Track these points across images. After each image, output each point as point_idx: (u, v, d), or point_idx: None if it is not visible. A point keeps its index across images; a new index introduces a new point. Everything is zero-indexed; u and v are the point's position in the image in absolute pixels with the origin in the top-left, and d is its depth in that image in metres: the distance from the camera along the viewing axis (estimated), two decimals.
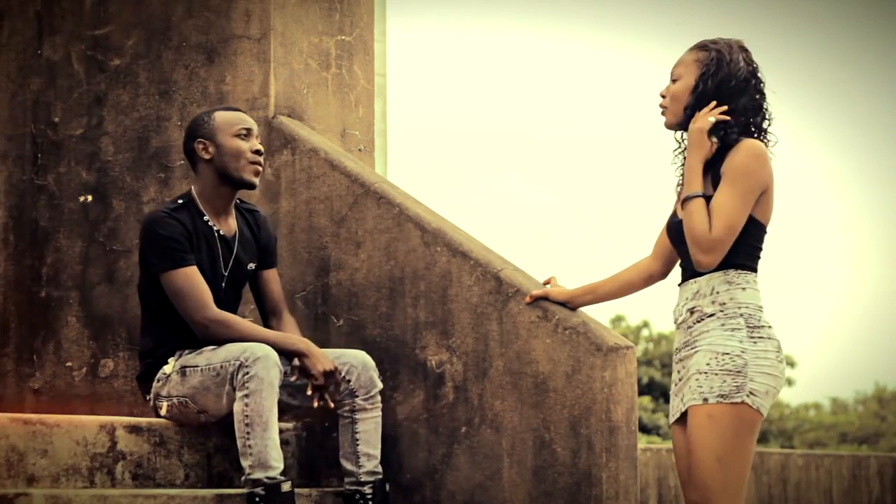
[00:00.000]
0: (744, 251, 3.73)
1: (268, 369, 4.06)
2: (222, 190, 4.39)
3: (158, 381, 4.31)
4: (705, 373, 3.65)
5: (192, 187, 4.42)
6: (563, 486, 4.28)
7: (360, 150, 5.20)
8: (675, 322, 3.82)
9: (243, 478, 4.05)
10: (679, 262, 3.90)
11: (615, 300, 4.33)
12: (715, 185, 3.73)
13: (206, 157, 4.36)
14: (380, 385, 4.34)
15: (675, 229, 3.84)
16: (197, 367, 4.21)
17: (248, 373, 4.05)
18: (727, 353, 3.64)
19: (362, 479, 4.28)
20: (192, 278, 4.24)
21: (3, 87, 5.50)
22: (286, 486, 4.02)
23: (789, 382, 33.16)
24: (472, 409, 4.44)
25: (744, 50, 3.80)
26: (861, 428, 33.15)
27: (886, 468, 9.95)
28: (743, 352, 3.63)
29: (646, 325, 26.16)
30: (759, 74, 3.79)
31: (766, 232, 3.80)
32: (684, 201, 3.71)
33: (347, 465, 4.31)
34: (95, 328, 5.18)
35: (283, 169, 4.87)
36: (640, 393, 22.80)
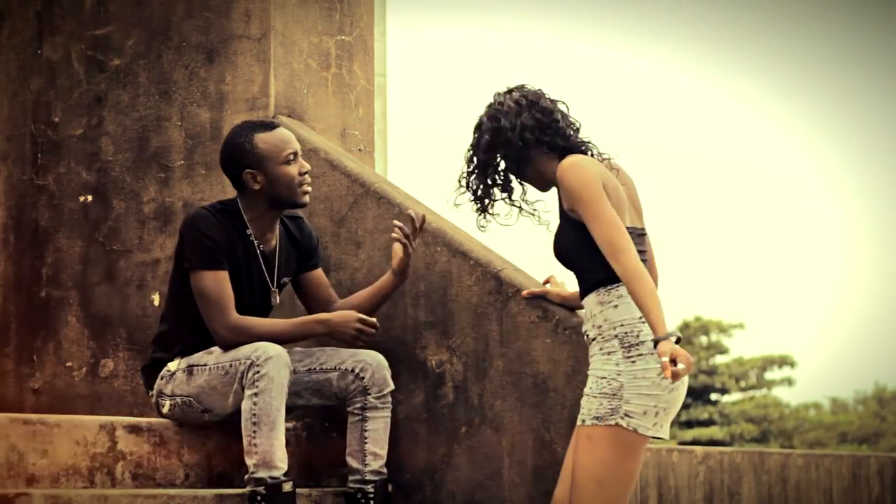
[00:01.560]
0: (607, 262, 3.67)
1: (279, 369, 4.07)
2: (272, 212, 4.34)
3: (162, 378, 4.31)
4: (586, 395, 3.71)
5: (239, 201, 4.33)
6: None
7: (360, 150, 5.20)
8: None
9: (246, 476, 4.05)
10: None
11: None
12: (562, 214, 3.79)
13: (256, 187, 4.28)
14: (392, 385, 4.34)
15: (560, 255, 3.86)
16: (205, 365, 4.21)
17: (258, 371, 4.05)
18: (604, 377, 3.67)
19: (367, 478, 4.28)
20: (221, 282, 4.20)
21: (3, 87, 5.50)
22: (288, 487, 4.02)
23: (789, 382, 33.13)
24: (472, 409, 4.44)
25: (511, 93, 3.87)
26: (861, 428, 33.16)
27: (886, 468, 9.94)
28: (619, 374, 3.64)
29: None
30: (524, 106, 3.83)
31: (637, 233, 3.77)
32: None
33: (353, 463, 4.30)
34: (95, 328, 5.18)
35: None
36: None
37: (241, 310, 4.27)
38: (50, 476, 3.98)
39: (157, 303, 5.04)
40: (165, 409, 4.31)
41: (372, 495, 4.26)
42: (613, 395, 3.64)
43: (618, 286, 3.71)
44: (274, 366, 4.06)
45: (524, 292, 4.34)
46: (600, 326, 3.73)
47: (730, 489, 7.57)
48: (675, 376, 3.46)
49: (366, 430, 4.30)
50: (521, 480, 4.34)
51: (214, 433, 4.38)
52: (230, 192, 4.94)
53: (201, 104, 5.04)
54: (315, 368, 4.35)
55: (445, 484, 4.47)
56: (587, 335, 3.79)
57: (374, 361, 4.33)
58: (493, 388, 4.41)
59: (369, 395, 4.30)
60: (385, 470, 4.31)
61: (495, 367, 4.41)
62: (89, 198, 5.25)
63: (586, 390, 3.72)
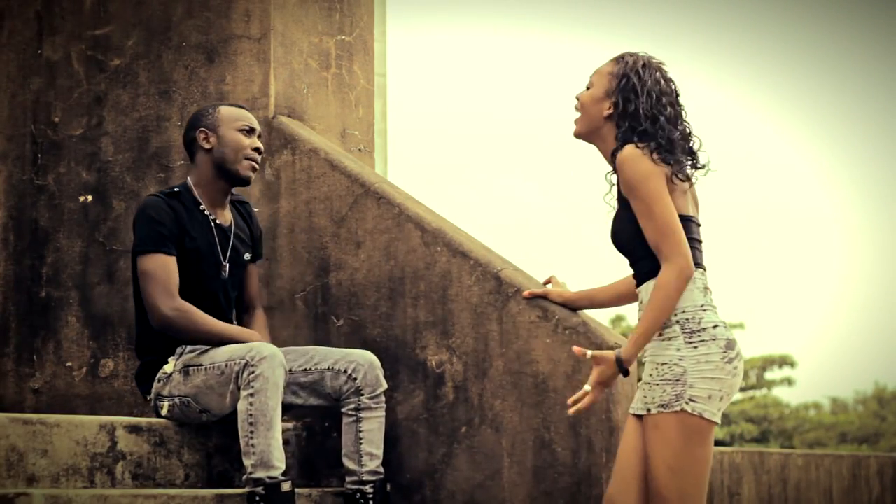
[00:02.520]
0: None
1: (273, 369, 4.06)
2: (218, 183, 4.43)
3: (159, 381, 4.31)
4: (648, 383, 3.67)
5: (189, 178, 4.45)
6: (563, 486, 4.28)
7: (360, 150, 5.20)
8: None
9: (244, 476, 4.05)
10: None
11: (611, 308, 4.34)
12: (622, 199, 3.76)
13: (206, 146, 4.40)
14: (385, 385, 4.34)
15: (614, 238, 3.83)
16: (201, 365, 4.22)
17: (253, 372, 4.05)
18: (665, 363, 3.63)
19: (364, 479, 4.28)
20: (167, 265, 4.25)
21: (3, 87, 5.49)
22: (286, 486, 4.02)
23: (789, 382, 33.16)
24: (472, 409, 4.44)
25: (657, 68, 3.81)
26: (861, 428, 33.16)
27: (886, 468, 9.94)
28: (681, 359, 3.61)
29: None
30: (667, 91, 3.78)
31: (695, 223, 3.76)
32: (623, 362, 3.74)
33: (350, 465, 4.30)
34: (95, 328, 5.18)
35: (283, 169, 4.87)
36: None
37: (194, 283, 4.33)
38: (50, 476, 3.98)
39: None
40: (164, 411, 4.31)
41: (371, 495, 4.26)
42: (677, 380, 3.59)
43: None
44: (269, 365, 4.06)
45: (525, 293, 4.34)
46: None
47: (730, 489, 7.56)
48: (576, 402, 3.67)
49: (360, 431, 4.30)
50: (521, 480, 4.34)
51: (214, 433, 4.38)
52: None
53: (201, 104, 5.03)
54: (310, 368, 4.35)
55: (445, 484, 4.47)
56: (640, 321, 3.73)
57: (365, 362, 4.32)
58: (493, 388, 4.41)
59: (362, 395, 4.31)
60: (382, 470, 4.31)
61: (495, 367, 4.41)
62: (89, 198, 5.25)
63: (646, 378, 3.67)
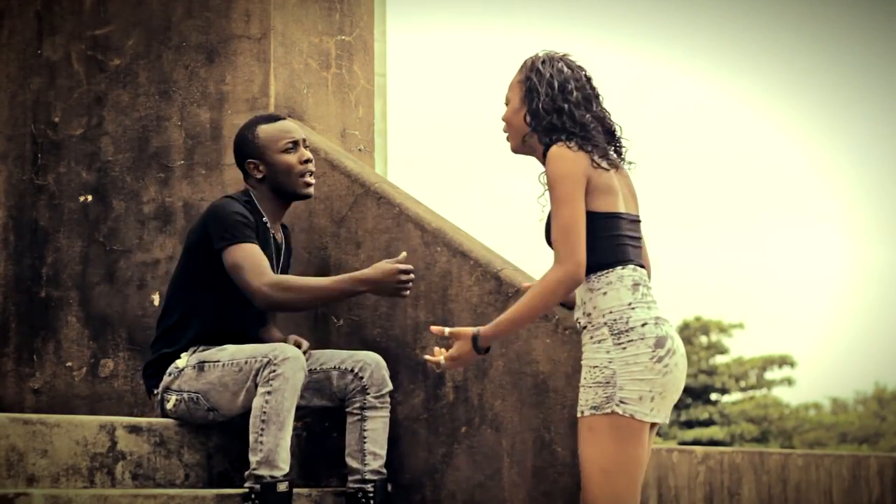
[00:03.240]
0: (598, 249, 3.70)
1: (295, 371, 4.08)
2: (279, 202, 4.44)
3: (170, 374, 4.31)
4: (582, 387, 3.71)
5: (251, 192, 4.43)
6: (563, 486, 4.28)
7: (360, 150, 5.20)
8: None
9: (247, 472, 4.06)
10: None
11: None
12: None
13: (259, 176, 4.40)
14: (390, 385, 4.35)
15: (547, 237, 3.84)
16: (218, 361, 4.22)
17: (275, 371, 4.07)
18: (596, 366, 3.67)
19: (367, 478, 4.28)
20: (255, 251, 4.23)
21: (3, 87, 5.50)
22: (282, 487, 4.03)
23: (789, 382, 33.14)
24: (472, 409, 4.44)
25: (559, 59, 3.84)
26: (861, 428, 33.17)
27: (886, 468, 9.94)
28: (610, 361, 3.64)
29: None
30: (571, 77, 3.81)
31: (627, 219, 3.77)
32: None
33: (353, 463, 4.31)
34: (95, 328, 5.18)
35: None
36: None
37: (252, 313, 4.35)
38: (50, 476, 3.98)
39: (156, 303, 5.04)
40: (170, 405, 4.31)
41: (372, 495, 4.27)
42: (607, 382, 3.63)
43: (607, 273, 3.71)
44: (291, 367, 4.07)
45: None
46: (590, 314, 3.73)
47: (730, 489, 7.56)
48: (440, 364, 3.73)
49: (365, 430, 4.30)
50: (521, 480, 4.34)
51: (215, 433, 4.38)
52: (229, 192, 4.95)
53: (201, 104, 5.04)
54: (315, 368, 4.35)
55: (445, 484, 4.47)
56: (578, 323, 3.79)
57: (372, 361, 4.34)
58: (493, 388, 4.41)
59: (368, 394, 4.31)
60: (384, 470, 4.31)
61: (495, 367, 4.41)
62: (89, 198, 5.25)
63: (581, 381, 3.71)
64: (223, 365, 4.21)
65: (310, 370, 4.35)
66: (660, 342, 3.65)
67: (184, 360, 4.30)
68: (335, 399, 4.35)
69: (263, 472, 4.03)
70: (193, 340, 4.32)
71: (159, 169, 5.11)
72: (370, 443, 4.30)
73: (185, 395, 4.27)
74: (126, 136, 5.19)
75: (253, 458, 4.05)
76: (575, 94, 3.79)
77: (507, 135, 3.91)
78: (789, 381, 33.16)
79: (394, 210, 4.65)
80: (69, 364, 5.23)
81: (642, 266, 3.79)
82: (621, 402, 3.62)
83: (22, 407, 5.27)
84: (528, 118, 3.81)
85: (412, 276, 4.21)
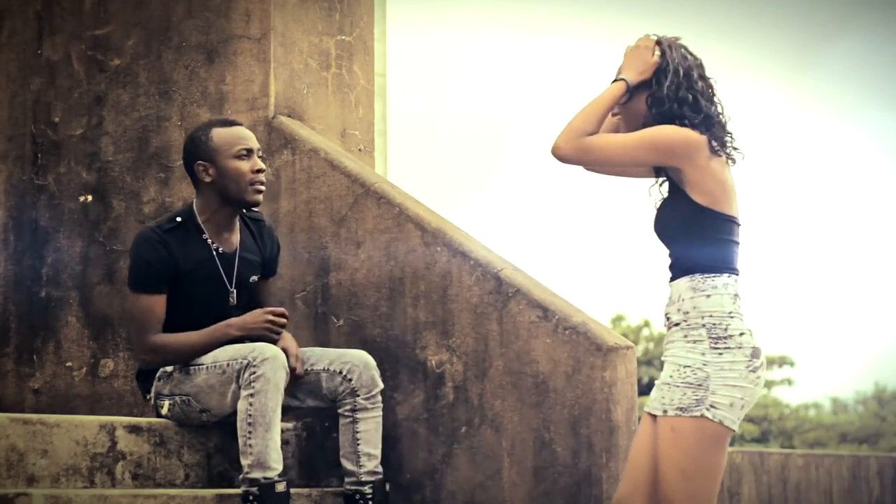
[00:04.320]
0: (711, 248, 3.63)
1: (275, 370, 4.07)
2: (225, 210, 4.34)
3: (160, 379, 4.31)
4: (667, 384, 3.60)
5: (194, 202, 4.36)
6: (563, 486, 4.28)
7: (360, 150, 5.20)
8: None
9: (241, 476, 4.06)
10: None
11: None
12: (673, 188, 3.71)
13: (207, 179, 4.30)
14: (381, 385, 4.34)
15: (661, 228, 3.79)
16: (202, 364, 4.22)
17: (254, 372, 4.06)
18: (688, 366, 3.57)
19: (363, 479, 4.28)
20: (147, 305, 4.25)
21: (3, 87, 5.50)
22: (280, 487, 4.02)
23: (789, 382, 33.15)
24: (472, 409, 4.44)
25: (682, 46, 3.76)
26: (861, 428, 33.13)
27: (886, 468, 9.95)
28: (705, 364, 3.55)
29: (646, 324, 26.15)
30: (695, 68, 3.73)
31: (735, 223, 3.69)
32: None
33: (348, 465, 4.31)
34: (95, 328, 5.18)
35: (283, 169, 4.87)
36: (641, 393, 22.77)
37: (199, 312, 4.29)
38: (50, 476, 3.98)
39: None
40: (164, 410, 4.31)
41: (370, 496, 4.26)
42: (699, 385, 3.54)
43: (714, 276, 3.62)
44: (270, 367, 4.06)
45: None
46: (687, 312, 3.62)
47: (730, 489, 7.57)
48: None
49: (357, 432, 4.30)
50: (521, 480, 4.34)
51: (214, 433, 4.38)
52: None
53: (201, 104, 5.04)
54: (307, 369, 4.34)
55: (445, 484, 4.47)
56: (668, 318, 3.68)
57: (360, 362, 4.32)
58: (493, 388, 4.41)
59: (358, 396, 4.30)
60: (381, 469, 4.31)
61: (495, 367, 4.41)
62: (89, 198, 5.25)
63: (665, 378, 3.60)
64: (207, 368, 4.20)
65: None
66: (755, 353, 3.59)
67: (171, 365, 4.30)
68: (327, 400, 4.35)
69: (256, 474, 4.02)
70: None
71: (159, 169, 5.11)
72: (364, 444, 4.29)
73: (178, 399, 4.27)
74: (126, 136, 5.19)
75: (244, 462, 4.05)
76: (699, 82, 3.71)
77: (618, 118, 3.77)
78: (789, 382, 33.15)
79: (394, 210, 4.65)
80: (69, 364, 5.23)
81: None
82: (712, 406, 3.52)
83: (22, 407, 5.27)
84: (649, 101, 3.70)
85: (283, 320, 4.28)
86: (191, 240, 4.30)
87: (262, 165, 4.33)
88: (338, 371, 4.30)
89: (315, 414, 4.62)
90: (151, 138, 5.14)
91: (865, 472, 9.58)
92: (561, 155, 3.67)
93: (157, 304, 4.26)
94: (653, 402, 3.66)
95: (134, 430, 4.22)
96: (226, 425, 4.30)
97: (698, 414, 3.52)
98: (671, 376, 3.59)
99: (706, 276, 3.63)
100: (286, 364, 4.12)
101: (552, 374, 4.31)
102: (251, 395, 4.05)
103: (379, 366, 4.43)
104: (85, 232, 5.25)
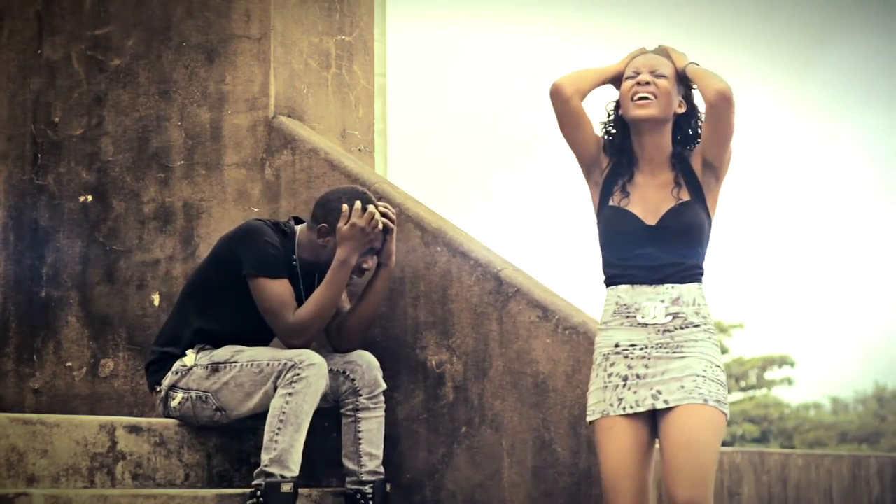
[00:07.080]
0: (704, 260, 3.86)
1: (318, 378, 4.11)
2: (315, 263, 4.36)
3: (177, 372, 4.31)
4: (703, 377, 3.71)
5: (300, 229, 4.38)
6: (563, 486, 4.28)
7: (360, 150, 5.20)
8: (644, 320, 3.75)
9: (257, 469, 4.06)
10: (616, 259, 3.85)
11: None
12: (695, 189, 3.81)
13: (321, 242, 4.32)
14: (383, 385, 4.35)
15: (683, 225, 3.83)
16: (235, 363, 4.22)
17: (298, 374, 4.09)
18: (718, 366, 3.76)
19: (364, 479, 4.28)
20: (279, 289, 4.22)
21: (3, 87, 5.50)
22: (287, 488, 4.03)
23: (789, 382, 33.17)
24: (472, 409, 4.44)
25: None
26: (861, 427, 33.14)
27: (886, 468, 9.94)
28: (720, 365, 3.77)
29: None
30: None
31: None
32: None
33: (349, 465, 4.31)
34: (95, 328, 5.18)
35: (283, 169, 4.87)
36: None
37: (263, 324, 4.29)
38: (50, 476, 3.99)
39: (156, 303, 5.04)
40: (175, 402, 4.30)
41: (370, 496, 4.26)
42: (722, 384, 3.74)
43: (703, 287, 3.84)
44: (315, 373, 4.10)
45: None
46: (706, 317, 3.79)
47: (730, 489, 7.56)
48: None
49: (359, 431, 4.30)
50: (521, 480, 4.34)
51: (214, 433, 4.39)
52: (229, 192, 4.95)
53: (201, 104, 5.04)
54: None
55: (445, 484, 4.47)
56: (684, 317, 3.75)
57: (363, 363, 4.33)
58: (493, 388, 4.41)
59: (360, 396, 4.31)
60: (382, 469, 4.31)
61: (495, 367, 4.41)
62: (89, 198, 5.25)
63: (701, 371, 3.71)
64: (241, 366, 4.21)
65: None
66: None
67: (191, 359, 4.30)
68: (329, 400, 4.35)
69: (274, 469, 4.04)
70: (200, 340, 4.32)
71: (159, 169, 5.11)
72: (365, 444, 4.30)
73: (193, 394, 4.27)
74: (126, 136, 5.20)
75: (265, 456, 4.06)
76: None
77: (651, 98, 3.81)
78: (789, 381, 33.17)
79: (393, 210, 4.64)
80: (69, 364, 5.23)
81: None
82: (727, 405, 3.76)
83: (22, 407, 5.27)
84: (684, 118, 3.88)
85: (379, 215, 4.27)
86: (287, 253, 4.32)
87: (372, 265, 4.35)
88: (340, 371, 4.31)
89: (316, 414, 4.62)
90: (151, 138, 5.14)
91: (865, 472, 9.58)
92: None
93: (286, 286, 4.25)
94: (684, 392, 3.70)
95: (134, 430, 4.22)
96: (227, 426, 4.31)
97: (725, 411, 3.72)
98: (705, 371, 3.73)
99: (702, 286, 3.83)
100: (327, 375, 4.16)
101: (552, 374, 4.31)
102: (289, 393, 4.08)
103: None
104: (85, 232, 5.25)
